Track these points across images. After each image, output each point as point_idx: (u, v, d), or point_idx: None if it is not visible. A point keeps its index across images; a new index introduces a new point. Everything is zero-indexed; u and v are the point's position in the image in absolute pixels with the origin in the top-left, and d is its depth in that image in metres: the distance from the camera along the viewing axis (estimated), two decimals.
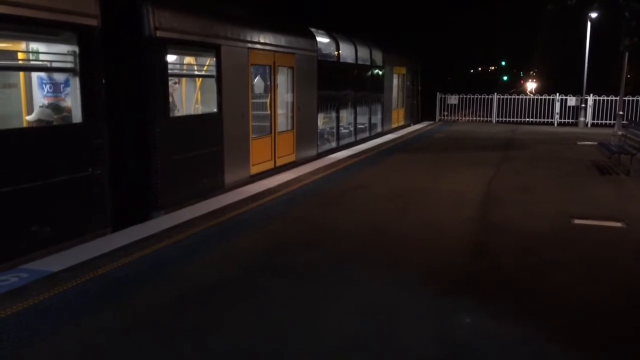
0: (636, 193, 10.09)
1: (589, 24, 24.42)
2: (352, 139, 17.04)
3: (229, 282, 5.55)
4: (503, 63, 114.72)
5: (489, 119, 26.67)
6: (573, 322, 4.70)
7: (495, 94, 26.86)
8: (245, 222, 7.87)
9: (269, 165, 11.50)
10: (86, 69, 6.74)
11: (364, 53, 18.03)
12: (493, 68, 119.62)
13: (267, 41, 11.32)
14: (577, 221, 7.99)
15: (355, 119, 17.33)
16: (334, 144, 15.57)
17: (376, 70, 19.36)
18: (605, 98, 24.22)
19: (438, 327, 4.57)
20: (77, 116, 6.80)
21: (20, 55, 7.05)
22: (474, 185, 10.49)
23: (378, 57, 19.41)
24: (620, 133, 16.33)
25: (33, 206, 6.07)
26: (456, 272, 5.85)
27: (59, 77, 6.96)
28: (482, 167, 12.52)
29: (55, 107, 6.92)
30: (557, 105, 25.31)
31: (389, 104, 21.18)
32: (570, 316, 4.81)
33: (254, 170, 10.83)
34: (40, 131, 6.65)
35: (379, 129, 19.87)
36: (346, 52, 16.58)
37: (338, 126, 15.93)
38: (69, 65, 6.68)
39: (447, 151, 15.76)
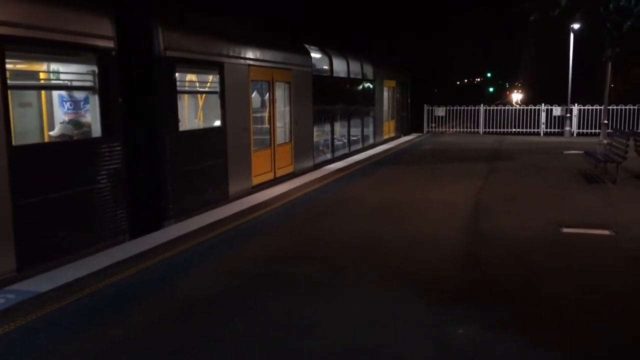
0: (623, 201, 10.24)
1: (572, 35, 24.81)
2: (347, 151, 17.62)
3: (228, 295, 5.65)
4: (489, 74, 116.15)
5: (476, 130, 26.92)
6: (566, 330, 4.74)
7: (482, 105, 27.13)
8: (248, 231, 8.25)
9: (270, 176, 12.01)
10: (104, 87, 7.24)
11: (355, 67, 18.65)
12: (479, 80, 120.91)
13: (266, 58, 11.87)
14: (565, 230, 8.05)
15: (348, 131, 17.92)
16: (329, 156, 16.12)
17: (367, 84, 19.99)
18: (590, 107, 24.61)
19: (432, 338, 4.60)
20: (96, 131, 7.29)
21: (45, 76, 7.50)
22: (463, 196, 10.62)
23: (369, 70, 20.04)
24: (605, 142, 16.39)
25: (60, 214, 6.52)
26: (448, 283, 5.90)
27: (79, 94, 7.44)
28: (470, 178, 12.71)
29: (75, 123, 7.39)
30: (543, 115, 25.70)
31: (380, 116, 21.81)
32: (563, 324, 4.85)
33: (256, 181, 11.33)
34: (65, 145, 7.11)
35: (371, 141, 20.47)
36: (339, 66, 17.17)
37: (333, 138, 16.50)
38: (88, 83, 7.18)
39: (436, 163, 15.96)
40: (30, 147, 6.42)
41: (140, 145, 8.27)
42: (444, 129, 27.68)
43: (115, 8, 7.51)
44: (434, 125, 27.70)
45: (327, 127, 16.27)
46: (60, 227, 6.50)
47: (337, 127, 17.12)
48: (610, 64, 19.70)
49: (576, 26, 24.32)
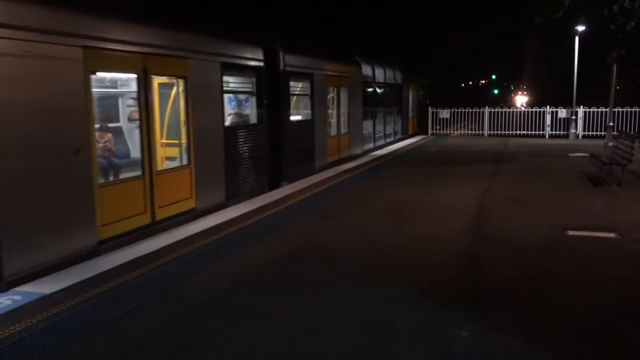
0: (628, 204, 10.25)
1: (576, 37, 24.97)
2: (383, 142, 21.80)
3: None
4: (494, 77, 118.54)
5: (480, 132, 27.20)
6: (570, 333, 4.76)
7: (487, 107, 27.38)
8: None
9: (337, 157, 16.17)
10: (258, 91, 11.38)
11: (390, 74, 22.78)
12: (484, 82, 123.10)
13: (336, 69, 15.98)
14: (570, 232, 8.06)
15: (384, 126, 22.11)
16: (372, 145, 20.29)
17: (398, 88, 24.13)
18: (596, 110, 24.57)
19: (435, 340, 4.63)
20: (252, 120, 11.43)
21: (232, 86, 11.49)
22: (468, 198, 10.79)
23: (399, 76, 24.15)
24: (611, 144, 16.28)
25: (242, 169, 10.64)
26: (452, 285, 5.96)
27: (242, 96, 11.55)
28: (475, 180, 12.98)
29: (239, 115, 11.51)
30: (548, 117, 25.76)
31: (406, 115, 25.98)
32: (567, 327, 4.87)
33: (329, 159, 15.46)
34: (243, 127, 11.25)
35: (400, 135, 24.65)
36: (379, 73, 21.27)
37: (374, 131, 20.65)
38: (250, 89, 11.31)
39: (443, 164, 16.38)
40: (230, 127, 10.56)
41: (271, 130, 12.33)
42: (448, 131, 28.20)
43: (262, 41, 11.65)
44: (438, 127, 28.13)
45: (370, 123, 20.40)
46: (242, 178, 10.64)
47: (377, 122, 21.26)
48: (615, 66, 19.31)
49: (580, 28, 24.37)
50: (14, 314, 5.09)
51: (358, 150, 18.32)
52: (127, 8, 7.71)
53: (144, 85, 7.85)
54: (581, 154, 17.72)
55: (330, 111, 16.22)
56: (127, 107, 10.17)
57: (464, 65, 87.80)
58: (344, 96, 17.09)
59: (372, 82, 20.38)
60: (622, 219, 8.92)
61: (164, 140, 9.61)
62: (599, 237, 7.81)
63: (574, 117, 25.14)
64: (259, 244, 7.55)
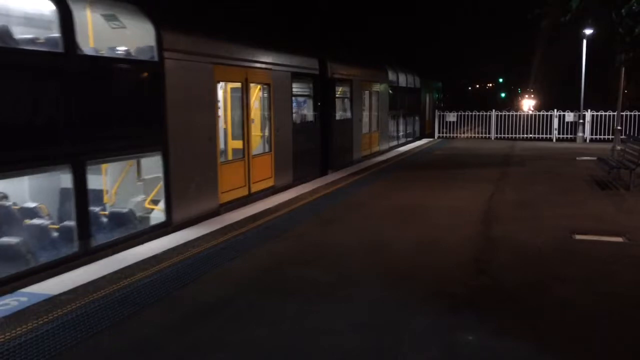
0: (636, 207, 10.17)
1: (584, 41, 24.87)
2: (404, 140, 24.40)
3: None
4: (501, 80, 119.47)
5: (487, 135, 27.31)
6: (577, 337, 4.76)
7: (494, 110, 27.37)
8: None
9: (369, 151, 18.75)
10: (315, 95, 13.95)
11: (410, 79, 25.30)
12: (491, 85, 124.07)
13: (369, 75, 18.53)
14: (578, 237, 8.03)
15: (405, 126, 24.66)
16: (395, 143, 22.84)
17: (417, 91, 26.64)
18: (603, 113, 24.45)
19: (441, 345, 4.63)
20: (310, 118, 13.99)
21: (296, 90, 13.97)
22: (474, 202, 10.75)
23: (417, 81, 26.67)
24: (619, 148, 16.30)
25: (303, 159, 13.17)
26: (458, 289, 5.91)
27: (300, 99, 14.11)
28: (482, 184, 12.97)
29: (298, 114, 14.04)
30: (555, 121, 25.76)
31: (424, 116, 28.48)
32: (574, 332, 4.86)
33: (363, 153, 18.03)
34: (303, 124, 13.81)
35: (418, 135, 27.24)
36: (402, 79, 23.79)
37: (397, 131, 23.20)
38: (308, 93, 13.88)
39: (449, 168, 16.41)
40: (296, 124, 13.13)
41: (321, 127, 14.86)
42: (455, 134, 28.25)
43: (316, 53, 14.21)
44: (445, 130, 28.34)
45: (394, 123, 22.94)
46: (303, 164, 13.19)
47: (400, 123, 23.81)
48: (623, 69, 19.05)
49: (588, 32, 24.26)
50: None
51: (385, 147, 20.90)
52: (237, 34, 10.34)
53: (246, 91, 10.42)
54: (589, 158, 17.87)
55: (363, 112, 18.77)
56: None
57: (470, 68, 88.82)
58: (374, 99, 19.63)
59: (396, 86, 22.90)
60: (630, 222, 8.93)
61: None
62: (606, 242, 7.83)
63: (581, 121, 25.14)
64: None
